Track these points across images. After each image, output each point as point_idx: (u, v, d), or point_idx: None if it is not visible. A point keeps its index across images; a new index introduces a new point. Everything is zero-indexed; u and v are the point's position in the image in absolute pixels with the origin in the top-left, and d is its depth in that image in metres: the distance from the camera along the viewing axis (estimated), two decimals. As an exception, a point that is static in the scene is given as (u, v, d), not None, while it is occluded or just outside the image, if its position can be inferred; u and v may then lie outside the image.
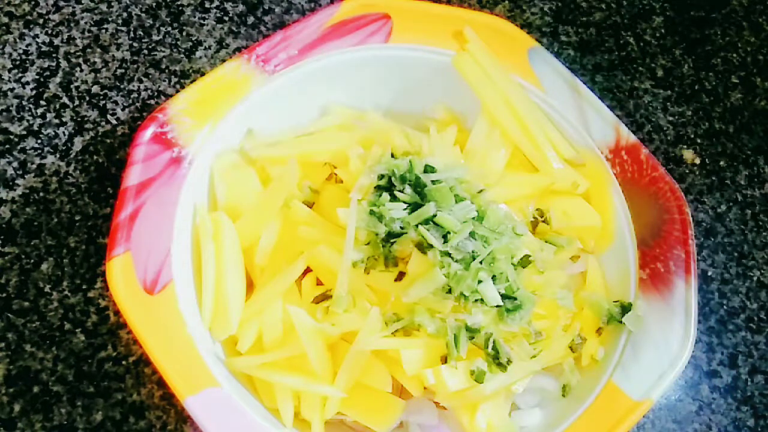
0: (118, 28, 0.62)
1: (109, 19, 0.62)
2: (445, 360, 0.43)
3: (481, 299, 0.42)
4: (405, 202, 0.44)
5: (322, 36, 0.51)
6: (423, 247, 0.43)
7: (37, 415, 0.49)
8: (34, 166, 0.56)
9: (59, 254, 0.53)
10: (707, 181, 0.63)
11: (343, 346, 0.45)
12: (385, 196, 0.44)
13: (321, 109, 0.54)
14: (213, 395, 0.42)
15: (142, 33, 0.62)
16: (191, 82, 0.58)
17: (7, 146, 0.56)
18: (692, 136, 0.65)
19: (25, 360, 0.50)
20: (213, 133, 0.48)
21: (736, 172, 0.64)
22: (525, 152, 0.51)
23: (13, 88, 0.58)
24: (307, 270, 0.47)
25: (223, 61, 0.59)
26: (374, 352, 0.44)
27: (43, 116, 0.58)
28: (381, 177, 0.45)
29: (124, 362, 0.51)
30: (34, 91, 0.59)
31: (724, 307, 0.58)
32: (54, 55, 0.60)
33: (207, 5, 0.64)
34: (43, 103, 0.58)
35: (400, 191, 0.45)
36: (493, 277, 0.43)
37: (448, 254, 0.42)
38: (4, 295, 0.52)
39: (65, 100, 0.59)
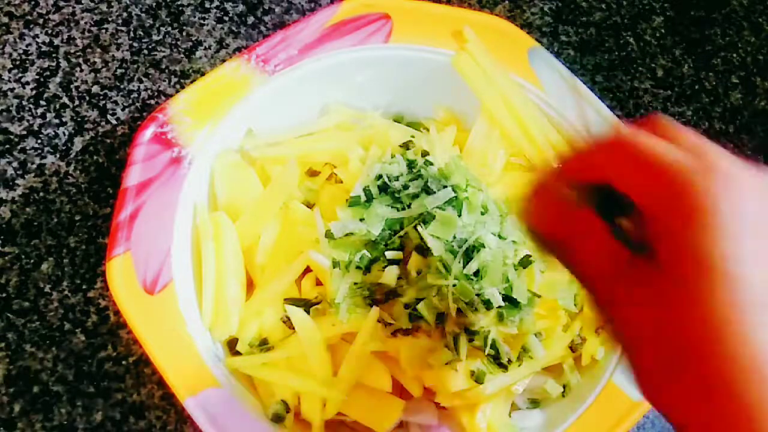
0: (118, 28, 0.62)
1: (109, 19, 0.62)
2: (445, 360, 0.43)
3: (482, 300, 0.42)
4: (403, 203, 0.44)
5: (322, 36, 0.51)
6: (422, 247, 0.43)
7: (37, 415, 0.49)
8: (34, 166, 0.56)
9: (59, 254, 0.53)
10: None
11: (343, 346, 0.45)
12: (384, 196, 0.44)
13: (321, 109, 0.54)
14: (213, 395, 0.42)
15: (142, 33, 0.62)
16: (191, 82, 0.58)
17: (7, 146, 0.56)
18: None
19: (25, 360, 0.50)
20: (213, 133, 0.48)
21: (736, 172, 0.64)
22: (525, 152, 0.51)
23: (13, 88, 0.58)
24: (307, 270, 0.47)
25: (223, 61, 0.59)
26: (374, 352, 0.44)
27: (43, 116, 0.58)
28: (379, 177, 0.45)
29: (124, 362, 0.51)
30: (34, 91, 0.59)
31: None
32: (54, 55, 0.60)
33: (207, 5, 0.64)
34: (43, 103, 0.58)
35: (398, 191, 0.45)
36: (493, 278, 0.43)
37: (450, 253, 0.42)
38: (4, 295, 0.52)
39: (65, 100, 0.59)
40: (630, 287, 0.27)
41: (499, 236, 0.44)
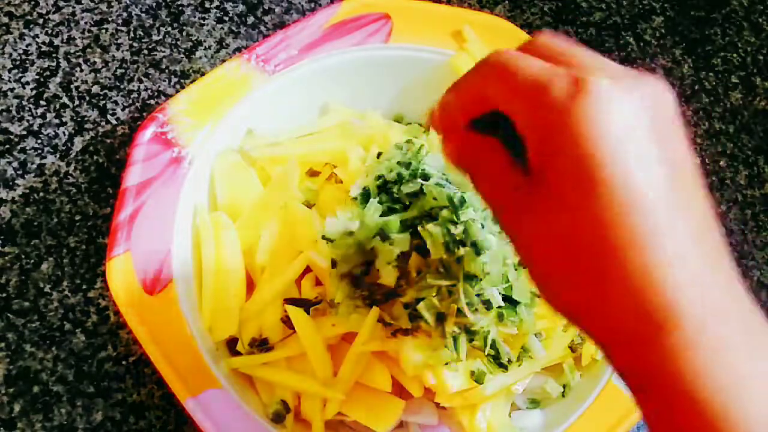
0: (118, 28, 0.62)
1: (109, 19, 0.62)
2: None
3: (482, 300, 0.42)
4: (403, 202, 0.44)
5: (322, 36, 0.51)
6: (422, 248, 0.43)
7: (37, 415, 0.49)
8: (34, 166, 0.56)
9: (59, 254, 0.53)
10: (707, 181, 0.63)
11: (343, 346, 0.45)
12: (383, 196, 0.44)
13: (321, 109, 0.54)
14: (213, 395, 0.42)
15: (142, 33, 0.62)
16: (191, 82, 0.58)
17: (7, 146, 0.56)
18: (692, 136, 0.65)
19: (25, 360, 0.50)
20: (213, 133, 0.48)
21: (736, 172, 0.64)
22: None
23: (13, 88, 0.58)
24: (307, 270, 0.47)
25: (223, 61, 0.59)
26: (374, 352, 0.44)
27: (43, 116, 0.58)
28: (379, 177, 0.45)
29: (124, 362, 0.51)
30: (34, 91, 0.59)
31: (724, 307, 0.58)
32: (54, 55, 0.60)
33: (207, 5, 0.64)
34: (43, 103, 0.58)
35: (397, 191, 0.44)
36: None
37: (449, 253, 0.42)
38: (4, 295, 0.52)
39: (65, 100, 0.59)
40: (524, 206, 0.28)
41: (499, 236, 0.44)
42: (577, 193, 0.25)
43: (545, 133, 0.26)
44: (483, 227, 0.43)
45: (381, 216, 0.43)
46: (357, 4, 0.52)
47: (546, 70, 0.27)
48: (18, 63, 0.59)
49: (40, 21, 0.61)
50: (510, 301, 0.43)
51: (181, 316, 0.44)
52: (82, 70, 0.60)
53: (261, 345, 0.46)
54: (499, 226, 0.30)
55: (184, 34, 0.62)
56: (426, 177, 0.44)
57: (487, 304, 0.42)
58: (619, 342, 0.26)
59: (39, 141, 0.57)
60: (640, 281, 0.25)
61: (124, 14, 0.62)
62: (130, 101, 0.59)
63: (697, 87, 0.67)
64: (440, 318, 0.42)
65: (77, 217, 0.55)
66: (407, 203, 0.44)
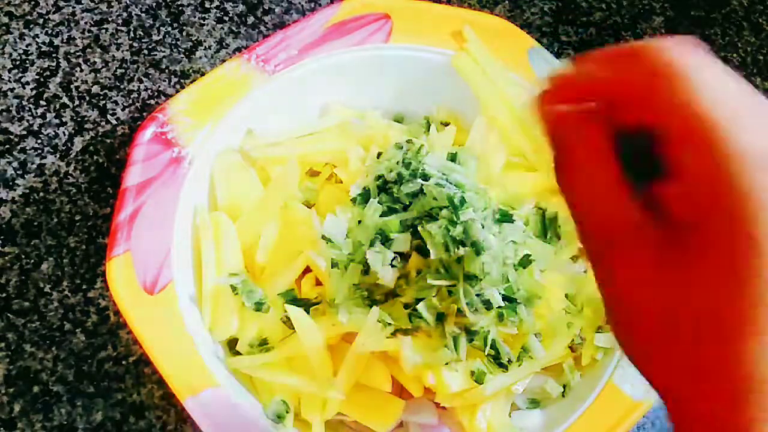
0: (118, 28, 0.62)
1: (109, 19, 0.62)
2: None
3: (482, 300, 0.42)
4: (403, 202, 0.44)
5: (322, 36, 0.51)
6: (422, 248, 0.43)
7: (37, 415, 0.49)
8: (34, 166, 0.56)
9: (59, 254, 0.53)
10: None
11: (343, 346, 0.45)
12: (383, 196, 0.44)
13: (321, 109, 0.54)
14: (213, 395, 0.42)
15: (142, 33, 0.62)
16: (191, 82, 0.58)
17: (7, 146, 0.56)
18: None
19: (25, 360, 0.50)
20: (213, 133, 0.48)
21: (736, 172, 0.64)
22: (524, 152, 0.51)
23: (13, 88, 0.58)
24: (307, 270, 0.47)
25: (223, 61, 0.59)
26: (374, 352, 0.44)
27: (43, 116, 0.58)
28: (379, 177, 0.45)
29: (124, 362, 0.51)
30: (34, 91, 0.59)
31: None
32: (54, 55, 0.60)
33: (207, 5, 0.64)
34: (43, 103, 0.58)
35: (397, 191, 0.44)
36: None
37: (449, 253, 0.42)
38: (4, 295, 0.52)
39: (65, 100, 0.59)
40: (642, 254, 0.23)
41: (499, 236, 0.44)
42: (748, 264, 0.20)
43: (708, 178, 0.21)
44: (483, 227, 0.43)
45: (381, 216, 0.43)
46: (357, 4, 0.52)
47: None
48: (18, 63, 0.59)
49: (40, 21, 0.61)
50: (510, 301, 0.43)
51: (181, 316, 0.44)
52: (82, 70, 0.60)
53: (261, 345, 0.46)
54: (591, 269, 0.24)
55: (184, 34, 0.62)
56: (426, 177, 0.44)
57: (487, 304, 0.42)
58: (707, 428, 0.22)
59: (39, 141, 0.57)
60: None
61: (124, 14, 0.62)
62: (130, 101, 0.59)
63: (697, 87, 0.67)
64: (440, 318, 0.42)
65: (77, 217, 0.55)
66: (407, 203, 0.44)
